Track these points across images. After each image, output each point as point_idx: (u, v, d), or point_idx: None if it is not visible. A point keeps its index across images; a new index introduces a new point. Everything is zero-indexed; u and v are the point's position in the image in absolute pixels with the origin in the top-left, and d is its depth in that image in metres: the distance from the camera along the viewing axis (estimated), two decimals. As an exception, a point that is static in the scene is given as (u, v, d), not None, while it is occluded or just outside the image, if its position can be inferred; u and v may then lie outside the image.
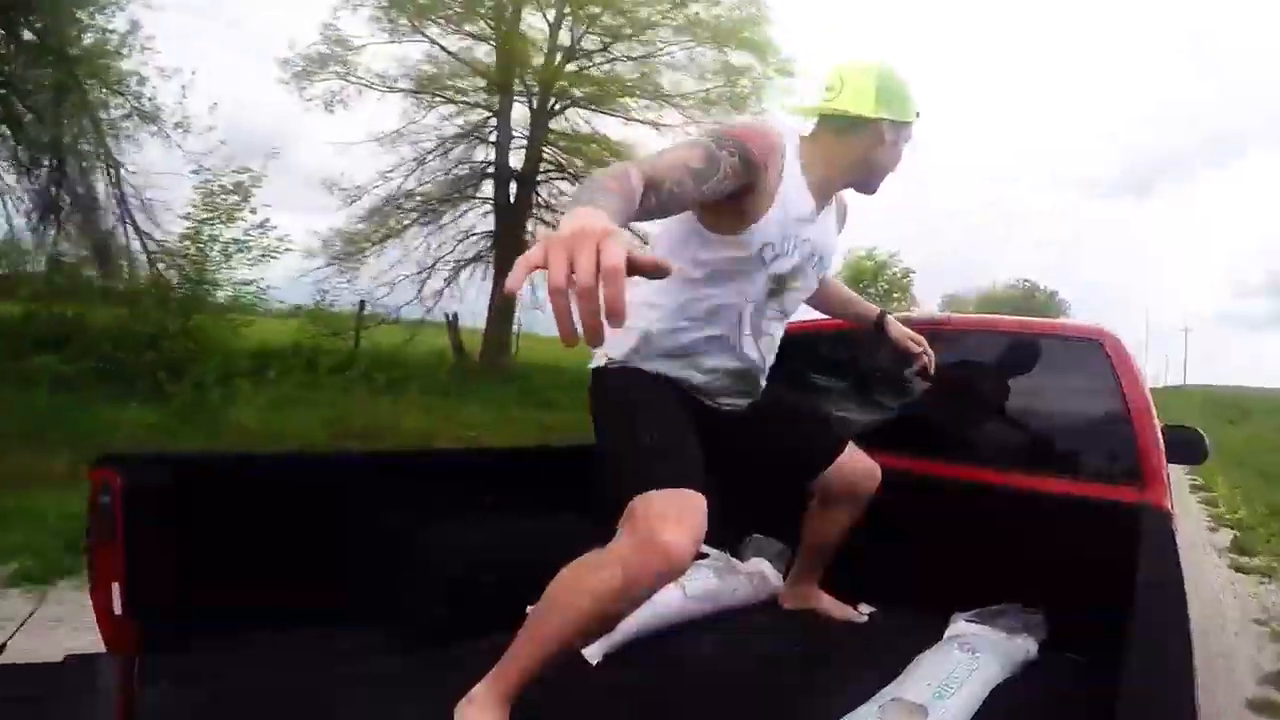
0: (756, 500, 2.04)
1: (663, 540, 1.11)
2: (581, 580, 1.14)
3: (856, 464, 1.71)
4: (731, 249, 1.35)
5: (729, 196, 1.26)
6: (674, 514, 1.15)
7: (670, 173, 1.07)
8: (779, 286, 1.43)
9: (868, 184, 1.50)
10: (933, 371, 1.84)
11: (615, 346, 1.43)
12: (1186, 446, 2.05)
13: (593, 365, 1.48)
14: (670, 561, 1.11)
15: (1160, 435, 1.82)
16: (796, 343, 2.28)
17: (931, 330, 2.26)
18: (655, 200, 1.03)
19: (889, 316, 1.88)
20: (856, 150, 1.41)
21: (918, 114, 1.47)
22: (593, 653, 1.51)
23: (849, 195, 1.58)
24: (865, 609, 1.94)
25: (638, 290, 1.44)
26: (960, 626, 1.72)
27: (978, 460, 2.03)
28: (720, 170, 1.17)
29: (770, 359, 1.56)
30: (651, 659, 1.57)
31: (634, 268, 0.67)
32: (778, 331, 1.54)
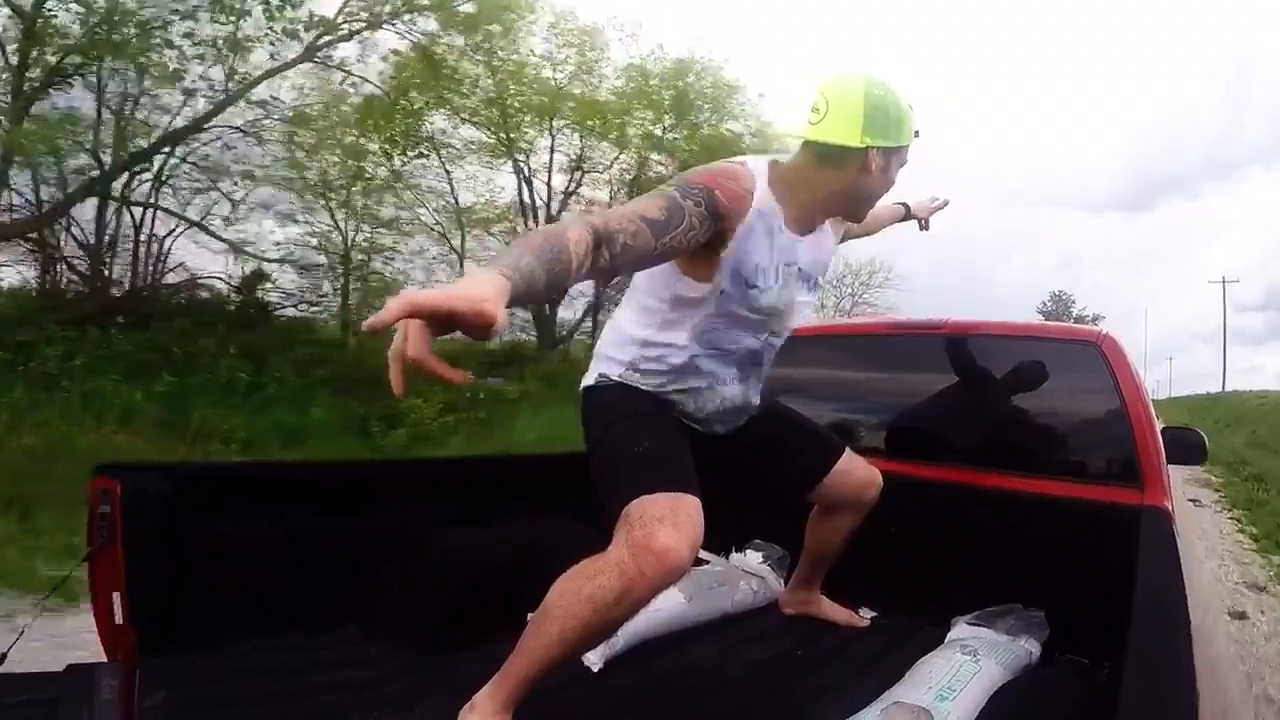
0: (757, 505, 2.04)
1: (660, 545, 1.11)
2: (579, 588, 1.14)
3: (856, 472, 1.70)
4: (707, 291, 1.32)
5: (703, 246, 1.22)
6: (670, 518, 1.15)
7: (625, 225, 1.04)
8: (765, 317, 1.40)
9: (855, 213, 1.44)
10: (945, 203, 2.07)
11: (605, 366, 1.43)
12: (1186, 447, 2.05)
13: (584, 384, 1.47)
14: (667, 566, 1.11)
15: (1159, 436, 1.82)
16: (793, 348, 2.28)
17: (928, 334, 2.27)
18: (608, 255, 1.01)
19: (910, 204, 1.98)
20: (842, 180, 1.32)
21: (916, 133, 1.37)
22: (594, 659, 1.50)
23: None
24: (866, 613, 1.94)
25: (624, 324, 1.43)
26: (961, 629, 1.72)
27: (977, 464, 2.03)
28: (685, 220, 1.13)
29: (760, 385, 1.54)
30: (653, 665, 1.56)
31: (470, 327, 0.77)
32: (770, 355, 1.51)
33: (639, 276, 1.39)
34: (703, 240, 1.20)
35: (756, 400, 1.56)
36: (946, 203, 2.07)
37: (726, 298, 1.33)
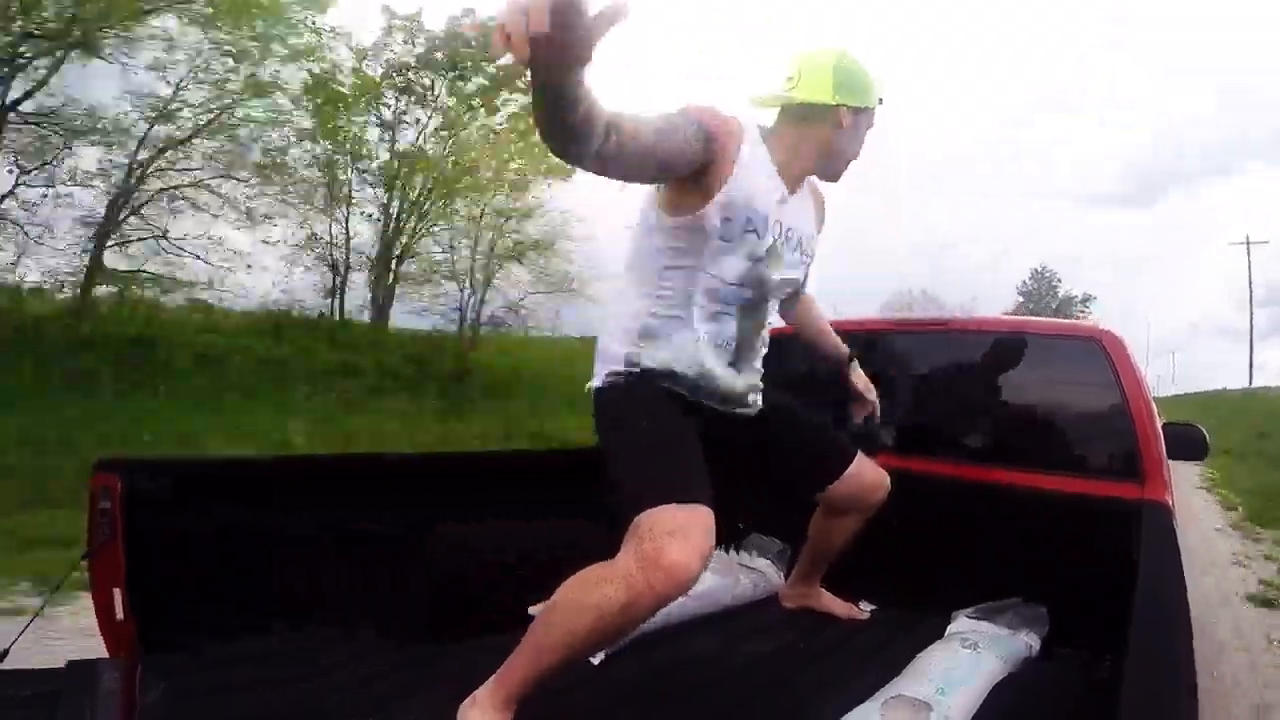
0: (758, 500, 2.04)
1: (669, 560, 1.10)
2: (586, 595, 1.13)
3: (866, 474, 1.69)
4: (697, 229, 1.34)
5: (691, 178, 1.28)
6: (681, 532, 1.14)
7: (629, 120, 1.09)
8: (757, 269, 1.41)
9: (831, 170, 1.51)
10: (877, 422, 1.83)
11: (611, 361, 1.42)
12: (1187, 443, 2.05)
13: (592, 385, 1.45)
14: (676, 581, 1.11)
15: (1160, 432, 1.82)
16: (795, 343, 2.28)
17: (933, 330, 2.27)
18: (616, 142, 1.05)
19: (855, 363, 1.84)
20: (817, 137, 1.43)
21: (880, 100, 1.48)
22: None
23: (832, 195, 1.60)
24: (866, 606, 1.95)
25: (621, 292, 1.44)
26: (962, 623, 1.72)
27: (980, 459, 2.04)
28: (679, 135, 1.19)
29: (762, 349, 1.54)
30: (653, 657, 1.57)
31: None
32: (766, 321, 1.52)
33: (631, 238, 1.44)
34: (696, 161, 1.25)
35: (759, 378, 1.56)
36: (875, 408, 1.83)
37: (713, 239, 1.34)
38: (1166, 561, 1.23)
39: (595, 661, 1.50)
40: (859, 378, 1.83)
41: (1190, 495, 7.96)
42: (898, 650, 1.58)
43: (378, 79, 11.99)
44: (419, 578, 1.61)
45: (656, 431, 1.34)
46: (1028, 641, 1.66)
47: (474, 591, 1.60)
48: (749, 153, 1.35)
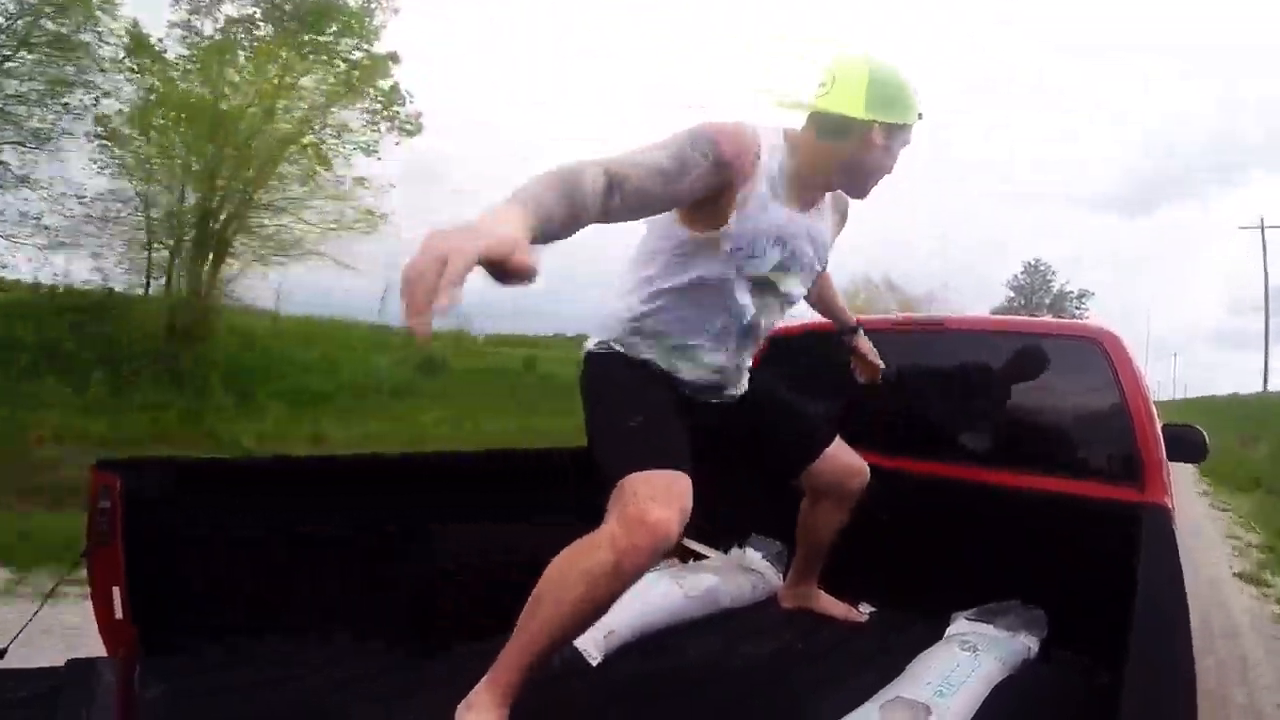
0: (755, 500, 2.04)
1: (651, 519, 1.13)
2: (573, 565, 1.16)
3: (843, 460, 1.70)
4: (705, 248, 1.34)
5: (707, 199, 1.26)
6: (661, 494, 1.17)
7: (635, 171, 1.08)
8: (764, 284, 1.41)
9: (858, 187, 1.43)
10: (878, 384, 1.90)
11: (606, 331, 1.45)
12: (1187, 445, 2.05)
13: (585, 349, 1.48)
14: (658, 539, 1.13)
15: (1160, 434, 1.82)
16: (794, 343, 2.28)
17: (929, 331, 2.27)
18: (620, 199, 1.05)
19: (861, 330, 1.89)
20: (844, 152, 1.35)
21: (920, 116, 1.39)
22: (593, 652, 1.51)
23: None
24: (865, 608, 1.95)
25: (625, 279, 1.45)
26: (961, 625, 1.72)
27: (979, 460, 2.03)
28: (692, 169, 1.18)
29: (749, 360, 1.55)
30: (651, 659, 1.57)
31: (504, 272, 0.76)
32: (761, 330, 1.51)
33: (645, 235, 1.43)
34: (708, 190, 1.23)
35: (745, 377, 1.57)
36: (878, 371, 1.88)
37: (718, 261, 1.34)
38: (1166, 564, 1.23)
39: (594, 662, 1.50)
40: (863, 343, 1.88)
41: (1225, 593, 4.30)
42: (896, 652, 1.58)
43: (210, 34, 10.42)
44: (420, 579, 1.61)
45: (638, 398, 1.37)
46: (1026, 644, 1.66)
47: (474, 592, 1.60)
48: (763, 176, 1.31)
